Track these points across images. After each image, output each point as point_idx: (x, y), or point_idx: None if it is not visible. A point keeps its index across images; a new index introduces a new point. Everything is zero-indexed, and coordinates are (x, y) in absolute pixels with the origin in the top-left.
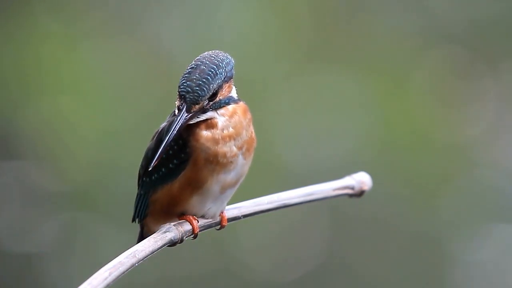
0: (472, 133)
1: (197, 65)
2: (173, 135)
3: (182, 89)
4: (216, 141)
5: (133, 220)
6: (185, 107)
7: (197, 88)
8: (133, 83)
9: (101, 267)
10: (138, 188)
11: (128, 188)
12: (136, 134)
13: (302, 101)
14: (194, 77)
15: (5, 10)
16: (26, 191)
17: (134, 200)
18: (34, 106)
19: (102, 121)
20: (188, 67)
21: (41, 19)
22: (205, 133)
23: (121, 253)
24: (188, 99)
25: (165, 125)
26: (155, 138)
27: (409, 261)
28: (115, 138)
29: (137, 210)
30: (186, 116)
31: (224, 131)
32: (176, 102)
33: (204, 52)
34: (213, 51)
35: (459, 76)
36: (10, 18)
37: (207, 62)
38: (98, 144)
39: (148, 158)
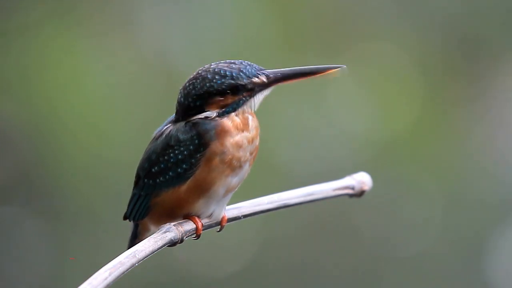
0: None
1: (231, 61)
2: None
3: (243, 68)
4: (239, 146)
5: (125, 218)
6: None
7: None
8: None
9: (101, 267)
10: (135, 188)
11: (56, 181)
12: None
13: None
14: (240, 62)
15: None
16: None
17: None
18: None
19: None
20: (220, 66)
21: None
22: (231, 139)
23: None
24: (255, 67)
25: (171, 127)
26: (158, 140)
27: (347, 259)
28: (44, 132)
29: (135, 211)
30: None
31: (251, 133)
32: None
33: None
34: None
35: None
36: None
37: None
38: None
39: (151, 160)
